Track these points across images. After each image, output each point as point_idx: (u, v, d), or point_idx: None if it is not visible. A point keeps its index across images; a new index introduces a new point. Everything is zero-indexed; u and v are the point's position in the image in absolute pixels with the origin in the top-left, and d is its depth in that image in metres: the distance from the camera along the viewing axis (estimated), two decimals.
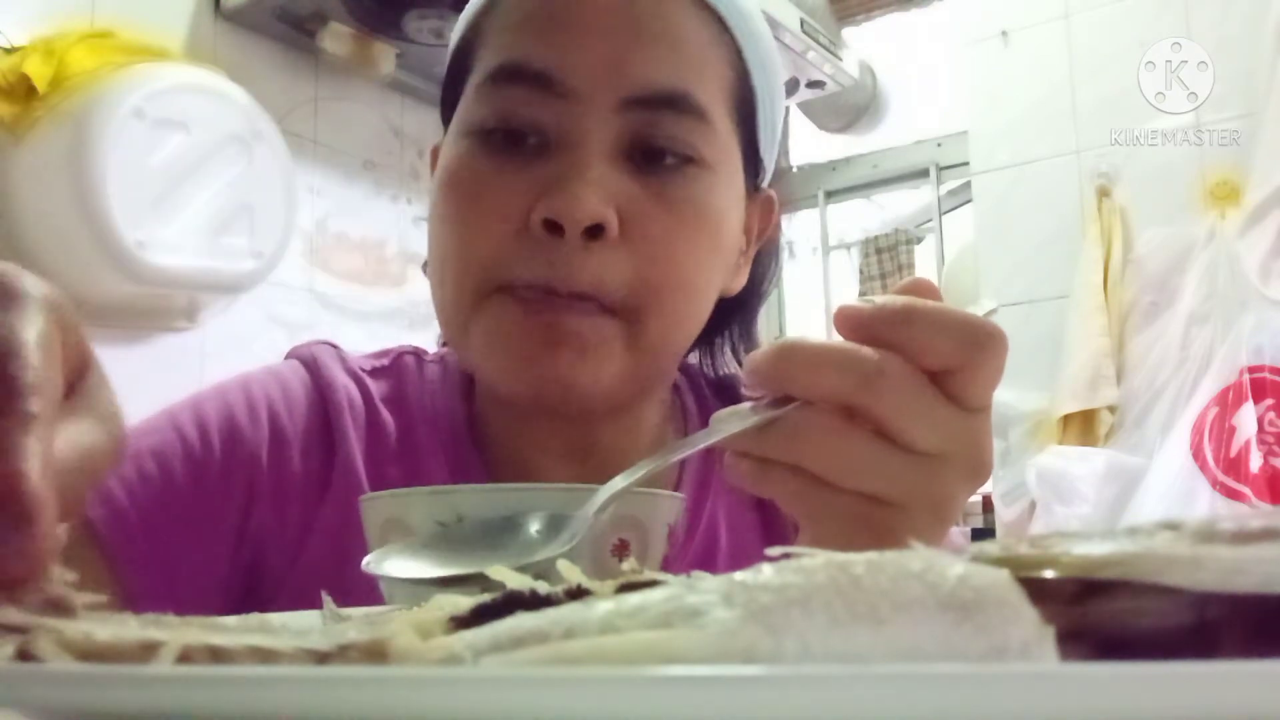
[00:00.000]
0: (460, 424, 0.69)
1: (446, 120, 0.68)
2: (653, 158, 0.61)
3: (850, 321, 0.41)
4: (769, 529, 0.71)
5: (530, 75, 0.60)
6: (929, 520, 0.43)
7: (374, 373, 0.71)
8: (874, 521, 0.42)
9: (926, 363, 0.40)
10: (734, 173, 0.65)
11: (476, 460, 0.68)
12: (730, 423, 0.42)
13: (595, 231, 0.58)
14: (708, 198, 0.62)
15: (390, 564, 0.42)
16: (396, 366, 0.72)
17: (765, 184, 0.71)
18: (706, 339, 0.77)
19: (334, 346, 0.72)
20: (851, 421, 0.41)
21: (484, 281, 0.61)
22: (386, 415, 0.68)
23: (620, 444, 0.68)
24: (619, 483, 0.43)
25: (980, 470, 0.43)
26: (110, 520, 0.58)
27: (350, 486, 0.64)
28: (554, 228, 0.58)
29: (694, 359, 0.79)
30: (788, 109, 2.67)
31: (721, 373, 0.78)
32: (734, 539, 0.69)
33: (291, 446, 0.65)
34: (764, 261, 0.75)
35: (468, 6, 0.68)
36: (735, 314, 0.76)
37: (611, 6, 0.61)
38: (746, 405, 0.43)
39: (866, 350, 0.40)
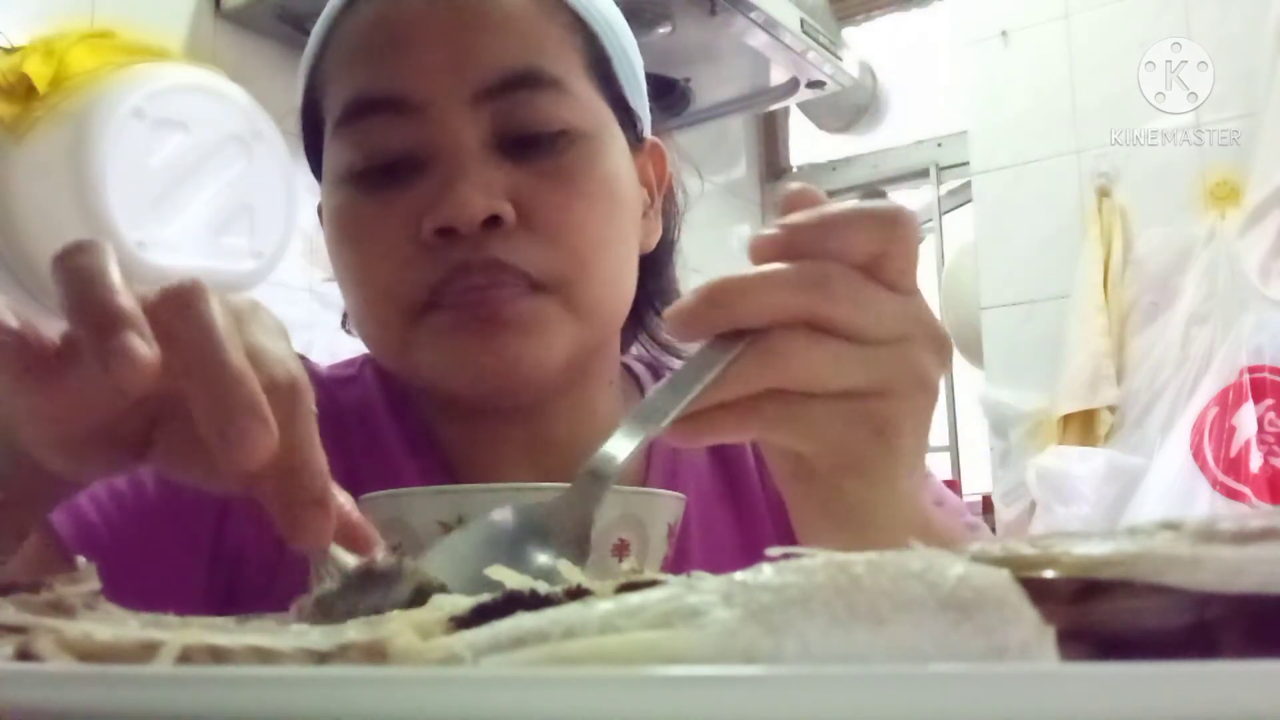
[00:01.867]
0: (421, 433, 0.69)
1: (317, 174, 0.68)
2: (526, 142, 0.61)
3: (768, 245, 0.41)
4: (742, 520, 0.70)
5: (379, 102, 0.61)
6: (917, 399, 0.43)
7: (342, 382, 0.70)
8: (867, 414, 0.42)
9: (854, 258, 0.41)
10: (610, 133, 0.65)
11: (438, 468, 0.67)
12: (692, 374, 0.41)
13: (492, 223, 0.58)
14: (592, 163, 0.62)
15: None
16: (361, 376, 0.72)
17: (645, 133, 0.71)
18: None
19: (301, 358, 0.71)
20: (814, 331, 0.41)
21: (404, 309, 0.60)
22: (355, 425, 0.68)
23: (577, 438, 0.67)
24: (614, 452, 0.40)
25: (942, 343, 0.44)
26: (80, 537, 0.57)
27: None
28: (448, 232, 0.58)
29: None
30: (786, 110, 2.69)
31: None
32: (705, 534, 0.68)
33: None
34: (670, 212, 0.75)
35: (302, 60, 0.68)
36: (648, 273, 0.74)
37: (435, 11, 0.61)
38: (686, 363, 0.42)
39: (801, 264, 0.40)
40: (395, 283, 0.61)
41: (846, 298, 0.41)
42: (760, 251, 0.41)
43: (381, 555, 0.36)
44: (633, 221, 0.66)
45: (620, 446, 0.39)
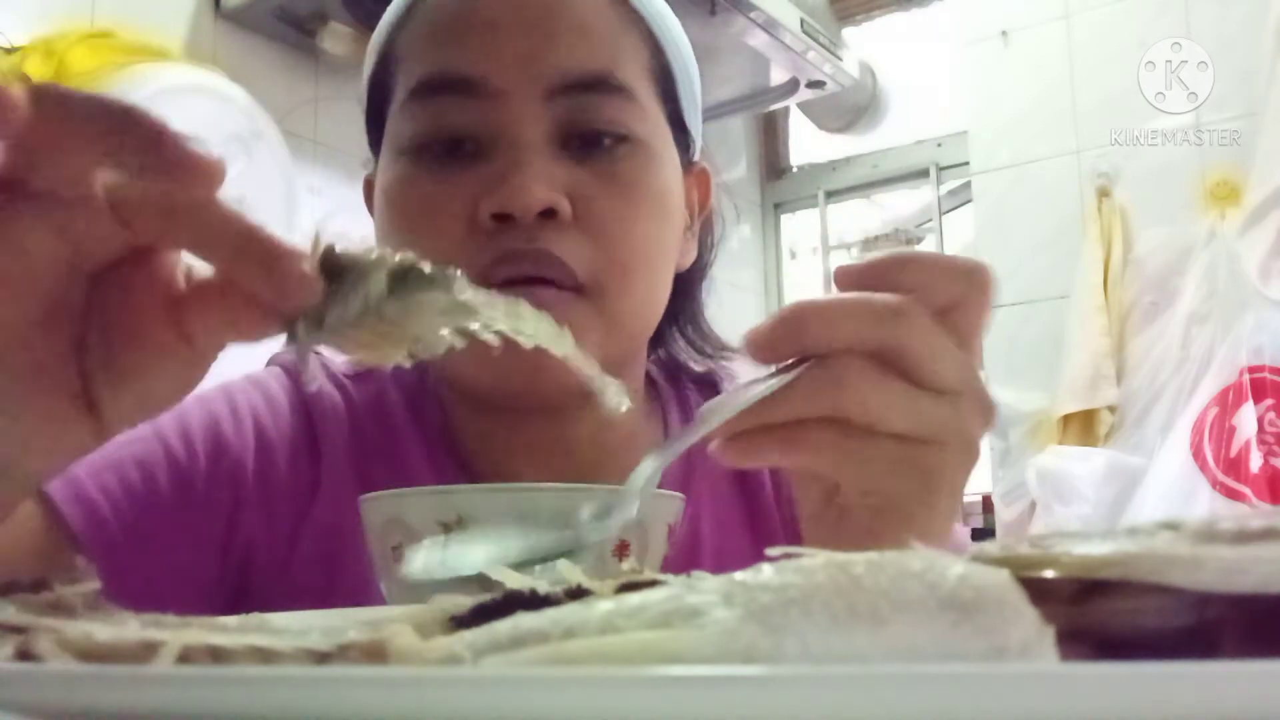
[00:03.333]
0: (438, 429, 0.69)
1: (375, 149, 0.69)
2: (589, 142, 0.62)
3: (851, 276, 0.42)
4: (755, 523, 0.70)
5: (454, 82, 0.61)
6: (962, 458, 0.43)
7: (354, 378, 0.70)
8: (915, 461, 0.42)
9: (930, 301, 0.42)
10: (667, 147, 0.66)
11: (453, 465, 0.67)
12: (744, 393, 0.42)
13: (548, 215, 0.59)
14: (649, 173, 0.63)
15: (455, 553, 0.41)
16: (376, 371, 0.71)
17: (695, 156, 0.72)
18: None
19: (316, 352, 0.72)
20: (880, 366, 0.41)
21: None
22: (368, 420, 0.68)
23: (596, 440, 0.67)
24: (653, 464, 0.42)
25: (989, 409, 0.44)
26: (92, 530, 0.57)
27: (337, 493, 0.64)
28: (505, 218, 0.59)
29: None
30: (786, 109, 2.69)
31: (709, 345, 0.78)
32: (718, 535, 0.68)
33: (277, 454, 0.65)
34: (702, 237, 0.76)
35: (375, 34, 0.69)
36: (679, 294, 0.74)
37: (521, 4, 0.62)
38: (749, 381, 0.42)
39: (880, 294, 0.41)
40: (439, 259, 0.60)
41: (919, 337, 0.41)
42: (844, 279, 0.42)
43: (335, 249, 0.35)
44: (676, 238, 0.67)
45: (674, 445, 0.42)
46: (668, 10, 0.70)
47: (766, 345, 0.41)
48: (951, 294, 0.42)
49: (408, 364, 0.37)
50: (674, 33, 0.69)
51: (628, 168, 0.62)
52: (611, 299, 0.61)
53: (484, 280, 0.59)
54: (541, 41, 0.61)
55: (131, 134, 0.33)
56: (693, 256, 0.72)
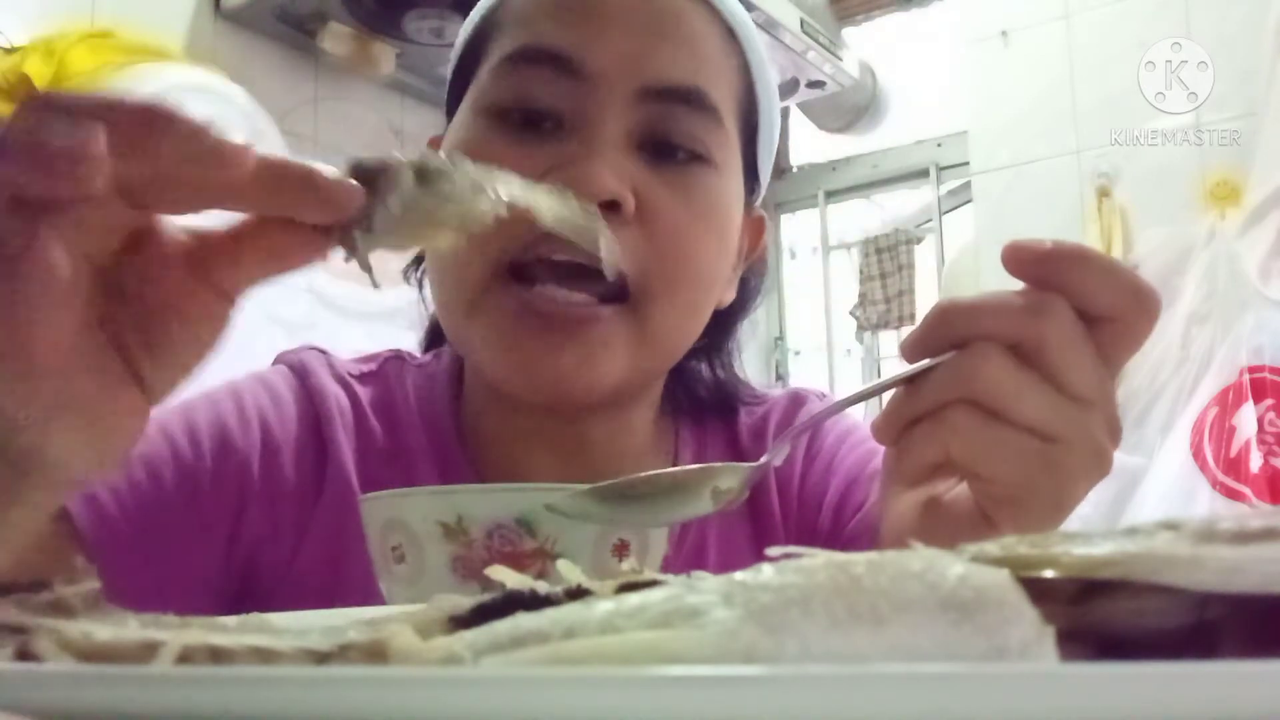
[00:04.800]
0: (448, 427, 0.69)
1: (451, 114, 0.68)
2: (664, 151, 0.62)
3: (1023, 254, 0.42)
4: (759, 536, 0.70)
5: (550, 56, 0.61)
6: (1090, 464, 0.44)
7: (362, 378, 0.70)
8: (1045, 456, 0.42)
9: (1090, 306, 0.42)
10: (737, 179, 0.66)
11: (464, 462, 0.67)
12: (881, 381, 0.45)
13: (611, 208, 0.58)
14: (716, 195, 0.63)
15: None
16: (383, 371, 0.72)
17: (758, 202, 0.72)
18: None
19: (322, 352, 0.72)
20: (1019, 358, 0.42)
21: (494, 260, 0.59)
22: (375, 421, 0.68)
23: (612, 443, 0.67)
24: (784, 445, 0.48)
25: (1116, 428, 0.45)
26: (98, 528, 0.57)
27: (342, 492, 0.64)
28: None
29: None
30: (786, 109, 2.69)
31: (720, 376, 0.76)
32: (724, 553, 0.68)
33: (282, 453, 0.64)
34: (751, 282, 0.76)
35: (480, 2, 0.69)
36: (715, 329, 0.74)
37: (632, 2, 0.62)
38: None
39: (1029, 292, 0.42)
40: (499, 228, 0.59)
41: (1059, 336, 0.41)
42: (1012, 256, 0.42)
43: (360, 161, 0.37)
44: (726, 268, 0.67)
45: (802, 426, 0.52)
46: (766, 57, 0.70)
47: (917, 344, 0.43)
48: (1113, 306, 0.42)
49: (463, 243, 0.38)
50: (766, 78, 0.69)
51: (697, 184, 0.62)
52: (654, 308, 0.61)
53: (525, 266, 0.59)
54: (646, 40, 0.61)
55: (171, 138, 0.33)
56: (732, 295, 0.71)
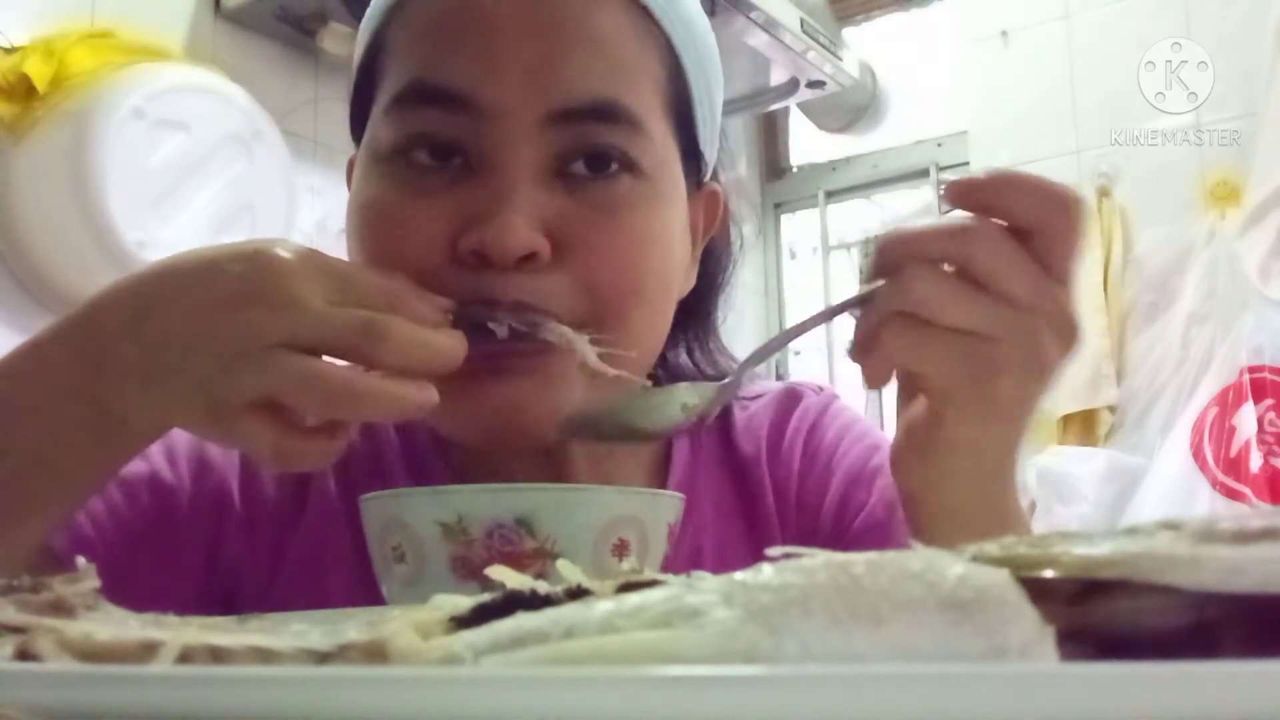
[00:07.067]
0: (428, 444, 0.67)
1: (357, 135, 0.63)
2: (585, 171, 0.57)
3: (959, 186, 0.48)
4: (755, 538, 0.68)
5: (443, 95, 0.56)
6: (1030, 369, 0.48)
7: None
8: (970, 353, 0.47)
9: (1019, 221, 0.47)
10: (673, 178, 0.62)
11: (447, 478, 0.65)
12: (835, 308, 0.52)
13: (528, 258, 0.54)
14: (648, 211, 0.59)
15: None
16: None
17: (707, 177, 0.68)
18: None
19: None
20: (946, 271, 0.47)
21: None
22: (356, 438, 0.64)
23: (597, 469, 0.65)
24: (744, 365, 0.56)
25: (1070, 333, 0.49)
26: (77, 550, 0.56)
27: (324, 512, 0.63)
28: (483, 257, 0.54)
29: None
30: (786, 110, 2.69)
31: (704, 369, 0.73)
32: (719, 548, 0.67)
33: (262, 474, 0.63)
34: (715, 258, 0.72)
35: (369, 10, 0.62)
36: (689, 315, 0.71)
37: (527, 9, 0.56)
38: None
39: (958, 215, 0.47)
40: (419, 286, 0.55)
41: (983, 248, 0.46)
42: (951, 189, 0.48)
43: None
44: (675, 273, 0.63)
45: (762, 349, 0.56)
46: (698, 19, 0.64)
47: (869, 274, 0.49)
48: (1037, 217, 0.46)
49: None
50: (700, 47, 0.63)
51: (625, 204, 0.57)
52: (606, 334, 0.56)
53: (463, 316, 0.54)
54: (547, 57, 0.55)
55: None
56: (692, 282, 0.68)
